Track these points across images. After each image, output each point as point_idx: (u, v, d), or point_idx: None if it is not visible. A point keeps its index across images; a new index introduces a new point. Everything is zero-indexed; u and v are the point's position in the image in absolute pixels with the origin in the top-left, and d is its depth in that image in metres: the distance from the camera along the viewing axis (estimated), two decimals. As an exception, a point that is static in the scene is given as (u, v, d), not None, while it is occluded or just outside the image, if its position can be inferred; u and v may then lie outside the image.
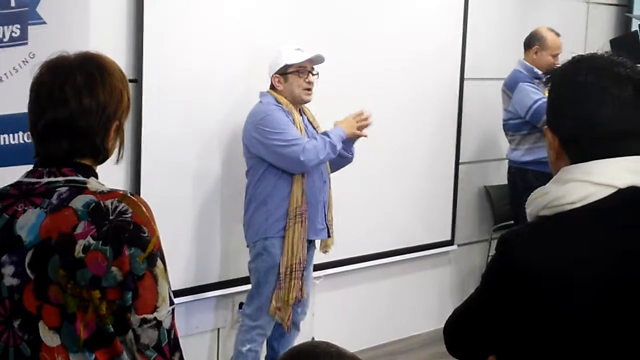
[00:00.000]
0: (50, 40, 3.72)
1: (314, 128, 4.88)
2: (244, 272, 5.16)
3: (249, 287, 5.15)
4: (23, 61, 3.77)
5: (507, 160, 6.34)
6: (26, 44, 3.79)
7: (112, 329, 2.13)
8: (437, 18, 6.26)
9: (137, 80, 4.64)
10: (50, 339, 2.13)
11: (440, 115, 6.40)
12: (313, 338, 5.32)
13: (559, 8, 7.11)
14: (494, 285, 1.99)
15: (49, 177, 2.19)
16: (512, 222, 6.27)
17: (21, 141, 3.77)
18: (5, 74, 3.75)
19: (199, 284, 5.06)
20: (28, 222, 2.16)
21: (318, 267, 5.52)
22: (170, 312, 2.18)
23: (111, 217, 2.11)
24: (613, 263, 1.90)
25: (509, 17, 6.75)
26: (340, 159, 4.93)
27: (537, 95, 5.96)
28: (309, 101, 4.82)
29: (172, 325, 2.18)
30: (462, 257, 6.76)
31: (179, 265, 4.85)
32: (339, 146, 4.68)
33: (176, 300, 4.74)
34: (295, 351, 1.69)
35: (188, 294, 4.98)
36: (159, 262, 2.15)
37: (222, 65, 5.00)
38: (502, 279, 1.96)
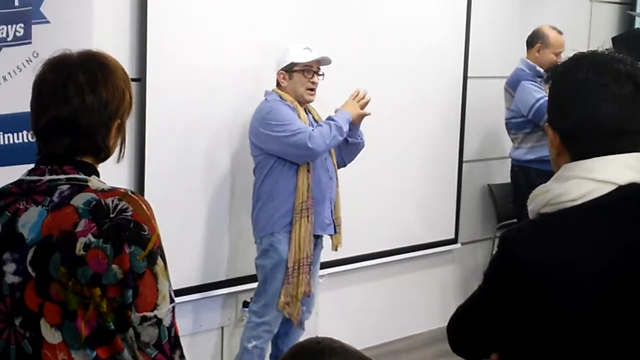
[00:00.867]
0: (54, 40, 3.73)
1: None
2: (248, 271, 5.17)
3: (252, 285, 5.16)
4: (27, 60, 3.77)
5: (510, 159, 6.33)
6: (30, 43, 3.80)
7: (112, 327, 2.14)
8: (439, 16, 6.25)
9: (141, 79, 4.64)
10: (52, 336, 2.14)
11: (443, 114, 6.40)
12: (317, 336, 5.31)
13: (561, 6, 7.10)
14: (495, 282, 1.99)
15: (50, 175, 2.20)
16: (515, 220, 6.27)
17: (25, 140, 3.78)
18: (9, 73, 3.76)
19: (203, 283, 5.06)
20: (30, 220, 2.17)
21: (321, 266, 5.52)
22: (171, 310, 2.18)
23: (112, 215, 2.12)
24: (614, 259, 1.90)
25: (512, 15, 6.75)
26: (352, 147, 4.97)
27: (539, 93, 5.96)
28: (311, 101, 4.83)
29: (173, 323, 2.19)
30: (466, 255, 6.76)
31: (183, 264, 4.86)
32: (346, 128, 4.69)
33: (181, 299, 4.79)
34: (299, 347, 1.69)
35: (192, 292, 4.99)
36: (159, 260, 2.16)
37: (225, 63, 5.00)
38: (503, 276, 1.96)
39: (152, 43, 4.67)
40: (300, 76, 4.76)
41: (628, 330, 1.91)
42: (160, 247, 2.17)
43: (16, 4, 3.76)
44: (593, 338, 1.90)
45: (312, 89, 4.78)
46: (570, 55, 2.08)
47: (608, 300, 1.89)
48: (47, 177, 2.20)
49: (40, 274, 2.14)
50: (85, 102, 2.18)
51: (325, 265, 5.55)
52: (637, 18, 7.17)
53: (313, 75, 4.78)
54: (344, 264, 5.78)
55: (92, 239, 2.10)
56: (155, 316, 2.14)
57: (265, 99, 4.78)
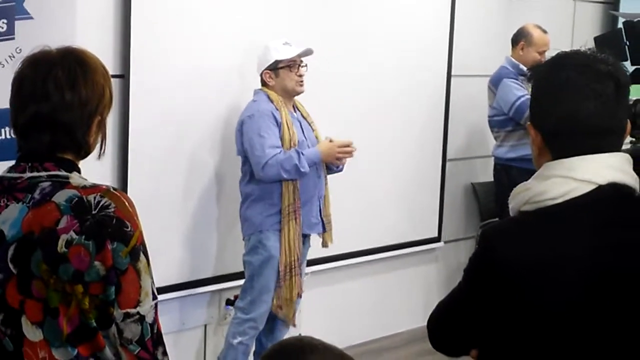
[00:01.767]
0: (37, 36, 3.72)
1: (309, 123, 4.91)
2: (232, 269, 5.17)
3: (236, 283, 5.16)
4: (10, 56, 3.76)
5: (493, 157, 6.35)
6: (13, 39, 3.79)
7: (94, 324, 2.14)
8: (424, 15, 6.26)
9: (124, 76, 4.63)
10: (33, 333, 2.13)
11: (427, 112, 6.41)
12: (300, 334, 5.32)
13: (545, 5, 7.12)
14: (475, 279, 2.01)
15: (31, 172, 2.19)
16: (498, 219, 6.29)
17: (7, 137, 3.77)
18: (-9, 68, 3.75)
19: (187, 280, 5.06)
20: (10, 216, 2.16)
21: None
22: (154, 306, 2.18)
23: (94, 212, 2.11)
24: (593, 258, 1.92)
25: (496, 14, 6.76)
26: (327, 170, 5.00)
27: (520, 91, 5.98)
28: (302, 92, 4.84)
29: (155, 320, 2.19)
30: (449, 254, 6.77)
31: (166, 261, 4.85)
32: (306, 170, 4.65)
33: (164, 296, 4.78)
34: (280, 345, 1.70)
35: (176, 290, 4.98)
36: (142, 256, 2.16)
37: (210, 60, 4.99)
38: (482, 273, 1.97)
39: (136, 39, 4.65)
40: (286, 72, 4.77)
41: (605, 327, 1.92)
42: (142, 244, 2.17)
43: (-1, -1, 3.75)
44: (571, 335, 1.92)
45: (301, 81, 4.81)
46: (553, 54, 2.09)
47: (586, 298, 1.91)
48: (28, 174, 2.19)
49: (22, 271, 2.13)
50: (65, 99, 2.17)
51: (308, 263, 5.54)
52: (619, 18, 7.19)
53: (298, 69, 4.80)
54: (327, 262, 5.78)
55: (74, 236, 2.09)
56: (138, 313, 2.14)
57: (253, 100, 4.78)
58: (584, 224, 1.94)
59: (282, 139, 4.68)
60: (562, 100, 1.97)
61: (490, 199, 6.66)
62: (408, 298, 6.50)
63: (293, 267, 4.77)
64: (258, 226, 4.76)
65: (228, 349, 4.88)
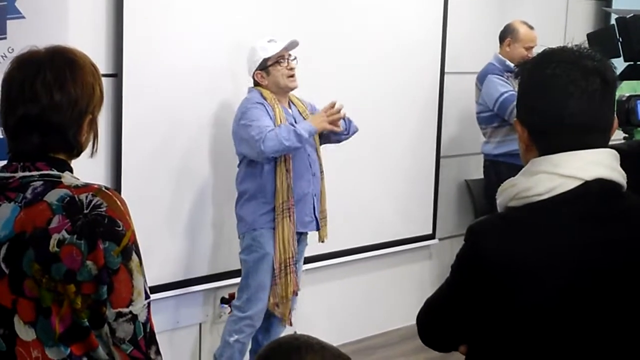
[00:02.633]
0: (29, 35, 3.72)
1: (304, 118, 4.88)
2: (227, 267, 5.17)
3: (231, 281, 5.17)
4: (2, 56, 3.76)
5: (483, 154, 6.37)
6: (5, 38, 3.78)
7: (87, 323, 2.14)
8: (416, 12, 6.26)
9: (117, 75, 4.63)
10: (26, 333, 2.14)
11: (420, 109, 6.41)
12: (295, 332, 5.32)
13: (538, 1, 7.13)
14: (461, 275, 2.02)
15: (23, 171, 2.19)
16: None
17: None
18: (-17, 69, 3.74)
19: (181, 279, 5.06)
20: (2, 216, 2.16)
21: (299, 262, 5.54)
22: (146, 305, 2.18)
23: (86, 211, 2.11)
24: (579, 254, 1.93)
25: (489, 11, 6.77)
26: (339, 137, 4.98)
27: (504, 87, 6.01)
28: (295, 87, 4.83)
29: (148, 319, 2.19)
30: (443, 251, 6.77)
31: (160, 260, 4.85)
32: (306, 136, 4.62)
33: (158, 295, 4.78)
34: (276, 343, 1.70)
35: (170, 288, 4.98)
36: (134, 255, 2.16)
37: (203, 59, 4.99)
38: (469, 269, 1.98)
39: (129, 38, 4.65)
40: (276, 68, 4.77)
41: (593, 322, 1.93)
42: (135, 243, 2.17)
43: (-9, -1, 3.75)
44: (558, 330, 1.93)
45: (292, 75, 4.79)
46: (540, 51, 2.10)
47: (572, 293, 1.92)
48: (20, 174, 2.19)
49: (14, 271, 2.13)
50: (54, 100, 2.17)
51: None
52: (612, 15, 7.20)
53: (288, 62, 4.79)
54: (321, 259, 5.78)
55: (66, 235, 2.09)
56: (131, 312, 2.14)
57: (246, 97, 4.79)
58: (570, 220, 1.94)
59: None
60: (548, 97, 1.98)
61: (483, 196, 6.67)
62: (402, 295, 6.50)
63: (288, 264, 4.77)
64: (252, 224, 4.77)
65: (224, 347, 4.88)
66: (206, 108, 5.04)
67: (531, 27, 6.19)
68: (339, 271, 6.02)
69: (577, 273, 1.92)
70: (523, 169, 2.03)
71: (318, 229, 4.95)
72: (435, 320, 2.11)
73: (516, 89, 5.63)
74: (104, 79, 2.35)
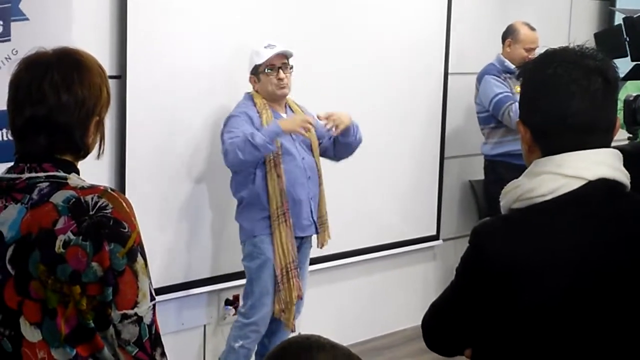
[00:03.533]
0: (33, 37, 3.72)
1: None
2: (231, 269, 5.17)
3: (235, 283, 5.17)
4: (6, 58, 3.76)
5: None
6: (9, 40, 3.78)
7: (92, 325, 2.14)
8: (420, 13, 6.26)
9: (121, 77, 4.63)
10: (32, 334, 2.14)
11: (424, 110, 6.41)
12: (299, 334, 5.31)
13: (541, 2, 7.12)
14: (466, 278, 2.01)
15: (29, 172, 2.20)
16: (488, 216, 6.30)
17: (4, 139, 3.76)
18: (-13, 70, 3.74)
19: (185, 281, 5.06)
20: (9, 217, 2.16)
21: (303, 263, 5.53)
22: (151, 307, 2.18)
23: (91, 213, 2.11)
24: (583, 253, 1.93)
25: (493, 11, 6.76)
26: (343, 146, 4.93)
27: (499, 88, 6.02)
28: (285, 95, 4.80)
29: (154, 321, 2.19)
30: (448, 251, 6.77)
31: (164, 261, 4.85)
32: (260, 143, 4.46)
33: (162, 297, 4.77)
34: (288, 343, 1.71)
35: (174, 290, 4.98)
36: (140, 257, 2.16)
37: (206, 61, 4.99)
38: (474, 271, 1.98)
39: (132, 40, 4.65)
40: (265, 76, 4.74)
41: (598, 323, 1.93)
42: (140, 245, 2.17)
43: (-6, 1, 3.75)
44: (563, 331, 1.93)
45: (281, 84, 4.74)
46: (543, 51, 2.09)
47: (576, 294, 1.92)
48: (27, 175, 2.20)
49: (20, 272, 2.14)
50: (62, 101, 2.18)
51: (307, 262, 5.57)
52: (616, 14, 7.20)
53: (278, 72, 4.73)
54: (326, 261, 5.78)
55: (72, 237, 2.10)
56: (136, 314, 2.14)
57: (237, 104, 4.78)
58: (574, 220, 1.94)
59: None
60: (550, 97, 1.98)
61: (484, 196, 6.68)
62: (406, 296, 6.50)
63: (290, 269, 4.75)
64: (251, 232, 4.76)
65: (229, 352, 4.87)
66: (209, 110, 5.04)
67: (533, 29, 6.18)
68: (343, 272, 6.02)
69: (581, 273, 1.92)
70: (526, 170, 2.03)
71: (317, 232, 4.92)
72: (440, 323, 2.11)
73: (514, 90, 5.65)
74: (107, 81, 2.35)
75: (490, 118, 6.12)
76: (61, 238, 2.10)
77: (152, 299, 2.19)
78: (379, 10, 5.95)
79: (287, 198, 4.71)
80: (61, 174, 2.19)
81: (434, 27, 6.37)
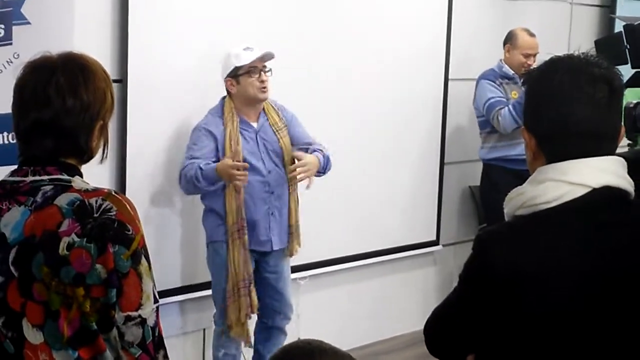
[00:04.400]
0: (35, 41, 3.73)
1: (275, 131, 4.74)
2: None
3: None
4: (7, 61, 3.77)
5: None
6: (10, 44, 3.79)
7: (95, 327, 2.15)
8: (421, 19, 6.27)
9: (122, 81, 4.64)
10: (34, 336, 2.14)
11: (425, 116, 6.41)
12: (299, 339, 5.31)
13: (542, 8, 7.13)
14: (470, 284, 2.01)
15: (33, 175, 2.20)
16: (485, 221, 6.34)
17: (6, 142, 3.77)
18: (-11, 74, 3.75)
19: (186, 284, 5.06)
20: (12, 220, 2.17)
21: (303, 268, 5.53)
22: (155, 309, 2.19)
23: (95, 215, 2.12)
24: (587, 260, 1.93)
25: (493, 18, 6.77)
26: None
27: (491, 93, 6.06)
28: (265, 99, 4.70)
29: (157, 323, 2.20)
30: (447, 257, 6.77)
31: (165, 265, 4.85)
32: (202, 185, 4.47)
33: (164, 300, 4.76)
34: (290, 347, 1.71)
35: (175, 293, 4.98)
36: (143, 260, 2.17)
37: (207, 65, 4.99)
38: (477, 278, 1.98)
39: (134, 44, 4.66)
40: (246, 78, 4.63)
41: (603, 330, 1.93)
42: (144, 247, 2.18)
43: (-4, 5, 3.75)
44: (568, 338, 1.92)
45: (263, 88, 4.65)
46: (547, 58, 2.09)
47: (582, 301, 1.92)
48: (31, 178, 2.20)
49: (23, 274, 2.14)
50: (67, 105, 2.18)
51: (306, 267, 5.56)
52: (616, 22, 7.21)
53: (260, 74, 4.65)
54: (326, 265, 5.78)
55: (76, 239, 2.10)
56: (140, 316, 2.15)
57: (207, 113, 4.71)
58: (577, 227, 1.94)
59: (223, 153, 4.57)
60: (555, 104, 1.98)
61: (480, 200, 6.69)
62: (406, 301, 6.50)
63: (239, 287, 4.66)
64: (211, 236, 4.72)
65: None
66: (211, 113, 5.04)
67: (532, 35, 6.20)
68: (343, 277, 6.02)
69: (585, 280, 1.91)
70: (530, 177, 2.03)
71: (273, 249, 4.78)
72: (443, 329, 2.10)
73: (509, 96, 5.69)
74: (108, 85, 2.36)
75: (487, 122, 6.15)
76: (65, 240, 2.10)
77: (156, 301, 2.20)
78: (379, 16, 5.96)
79: (245, 214, 4.62)
80: (65, 177, 2.20)
81: (435, 33, 6.38)
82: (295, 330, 5.25)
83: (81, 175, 2.25)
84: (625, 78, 5.00)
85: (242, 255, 4.64)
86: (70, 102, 2.19)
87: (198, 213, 5.02)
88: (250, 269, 4.70)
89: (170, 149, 4.89)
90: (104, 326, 2.15)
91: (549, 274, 1.91)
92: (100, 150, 2.30)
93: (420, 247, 6.54)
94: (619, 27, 5.41)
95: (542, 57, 5.81)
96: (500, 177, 5.88)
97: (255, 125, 4.72)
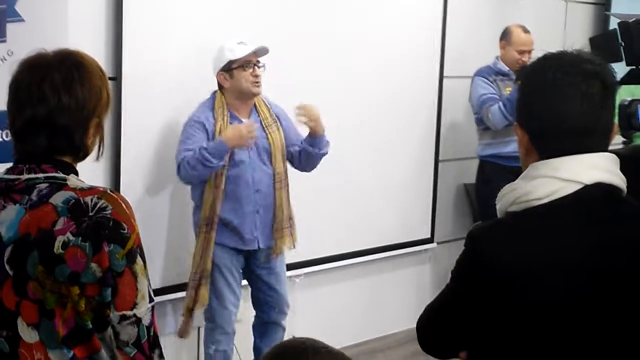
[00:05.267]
0: (29, 38, 3.72)
1: (265, 127, 4.72)
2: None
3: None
4: (1, 59, 3.76)
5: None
6: (5, 41, 3.78)
7: (90, 326, 2.14)
8: (416, 17, 6.28)
9: (117, 78, 4.63)
10: (29, 335, 2.14)
11: (419, 114, 6.42)
12: (293, 336, 5.30)
13: (537, 6, 7.15)
14: (462, 281, 2.02)
15: (28, 173, 2.19)
16: (480, 217, 6.35)
17: (1, 139, 3.76)
18: (-17, 71, 3.74)
19: (180, 283, 5.05)
20: (7, 218, 2.16)
21: (298, 265, 5.53)
22: (150, 309, 2.18)
23: (91, 214, 2.12)
24: (578, 257, 1.93)
25: (488, 15, 6.78)
26: (312, 157, 4.82)
27: (484, 89, 6.08)
28: (259, 93, 4.69)
29: (152, 322, 2.19)
30: (442, 255, 6.78)
31: (160, 263, 4.85)
32: (210, 161, 4.44)
33: (159, 299, 4.75)
34: (283, 346, 1.71)
35: (169, 292, 4.98)
36: (139, 259, 2.16)
37: (202, 61, 4.98)
38: (470, 275, 1.98)
39: (128, 41, 4.66)
40: (240, 72, 4.63)
41: (594, 326, 1.93)
42: (139, 246, 2.17)
43: (-10, 2, 3.75)
44: (560, 334, 1.93)
45: (257, 82, 4.64)
46: (540, 55, 2.09)
47: (574, 297, 1.92)
48: (26, 176, 2.20)
49: (18, 273, 2.14)
50: (62, 102, 2.18)
51: (302, 264, 5.56)
52: (611, 19, 7.21)
53: (254, 68, 4.64)
54: (321, 263, 5.78)
55: (71, 237, 2.10)
56: (135, 315, 2.14)
57: (198, 105, 4.70)
58: (570, 224, 1.95)
59: None
60: (548, 101, 1.98)
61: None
62: (401, 299, 6.50)
63: (191, 279, 4.67)
64: (195, 232, 4.72)
65: (207, 358, 4.86)
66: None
67: (527, 31, 6.21)
68: (338, 275, 6.02)
69: (577, 277, 1.92)
70: (523, 173, 2.03)
71: (259, 247, 4.75)
72: (436, 326, 2.11)
73: (503, 92, 5.71)
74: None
75: (482, 119, 6.16)
76: (60, 239, 2.10)
77: (151, 300, 2.19)
78: (374, 14, 5.96)
79: (219, 210, 4.60)
80: (60, 175, 2.19)
81: (430, 31, 6.38)
82: (291, 328, 5.24)
83: (76, 173, 2.24)
84: (620, 75, 5.03)
85: (203, 249, 4.63)
86: (66, 99, 2.18)
87: (193, 210, 5.03)
88: (209, 265, 4.65)
89: (164, 145, 4.88)
90: (99, 325, 2.14)
91: (541, 270, 1.91)
92: (95, 148, 2.29)
93: (415, 244, 6.55)
94: (613, 24, 5.40)
95: (537, 54, 5.82)
96: (495, 173, 5.89)
97: (245, 121, 4.69)
